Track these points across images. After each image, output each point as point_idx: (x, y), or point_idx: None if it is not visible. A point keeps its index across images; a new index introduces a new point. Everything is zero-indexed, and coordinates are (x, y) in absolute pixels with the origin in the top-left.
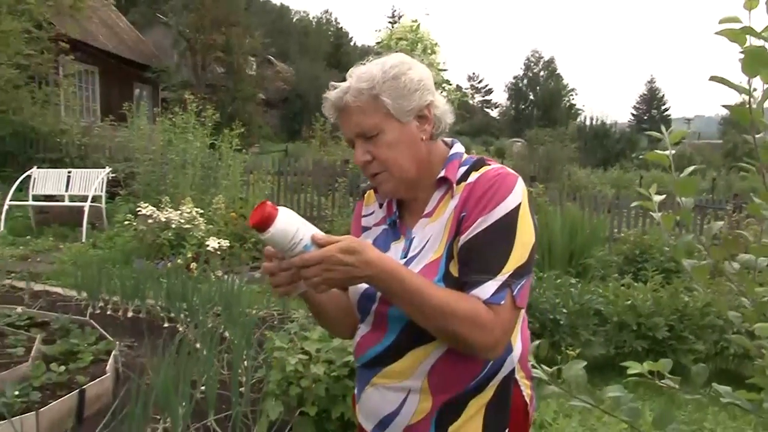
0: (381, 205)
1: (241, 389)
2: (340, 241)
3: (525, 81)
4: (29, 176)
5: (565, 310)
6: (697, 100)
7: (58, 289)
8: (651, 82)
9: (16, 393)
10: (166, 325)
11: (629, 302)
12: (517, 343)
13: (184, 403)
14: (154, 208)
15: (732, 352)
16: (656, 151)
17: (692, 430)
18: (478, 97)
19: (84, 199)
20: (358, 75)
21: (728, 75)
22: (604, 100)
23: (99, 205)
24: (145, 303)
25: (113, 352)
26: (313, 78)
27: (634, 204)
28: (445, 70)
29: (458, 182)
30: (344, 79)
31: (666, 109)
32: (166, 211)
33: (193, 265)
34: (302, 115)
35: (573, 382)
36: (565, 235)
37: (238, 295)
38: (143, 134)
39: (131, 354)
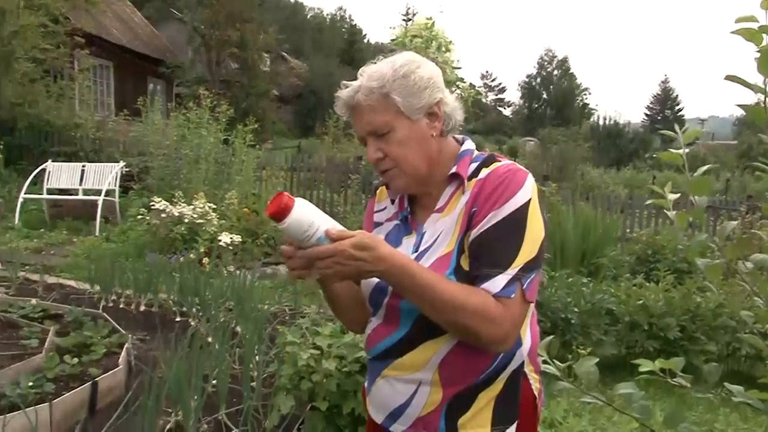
0: (393, 201)
1: (252, 384)
2: (353, 236)
3: (538, 80)
4: (44, 170)
5: (576, 310)
6: (712, 100)
7: (72, 282)
8: (665, 81)
9: (30, 384)
10: (178, 319)
11: (641, 302)
12: (527, 337)
13: (196, 397)
14: (168, 203)
15: (744, 354)
16: (670, 150)
17: (703, 430)
18: (491, 96)
19: (98, 193)
20: (369, 74)
21: (744, 75)
22: (617, 99)
23: (113, 199)
24: (158, 297)
25: (126, 345)
26: (327, 74)
27: (648, 202)
28: (459, 68)
29: (469, 178)
30: (357, 77)
31: (680, 110)
32: (179, 205)
33: (206, 259)
34: (316, 112)
35: (585, 379)
36: (578, 235)
37: (250, 291)
38: (157, 129)
39: (143, 347)
